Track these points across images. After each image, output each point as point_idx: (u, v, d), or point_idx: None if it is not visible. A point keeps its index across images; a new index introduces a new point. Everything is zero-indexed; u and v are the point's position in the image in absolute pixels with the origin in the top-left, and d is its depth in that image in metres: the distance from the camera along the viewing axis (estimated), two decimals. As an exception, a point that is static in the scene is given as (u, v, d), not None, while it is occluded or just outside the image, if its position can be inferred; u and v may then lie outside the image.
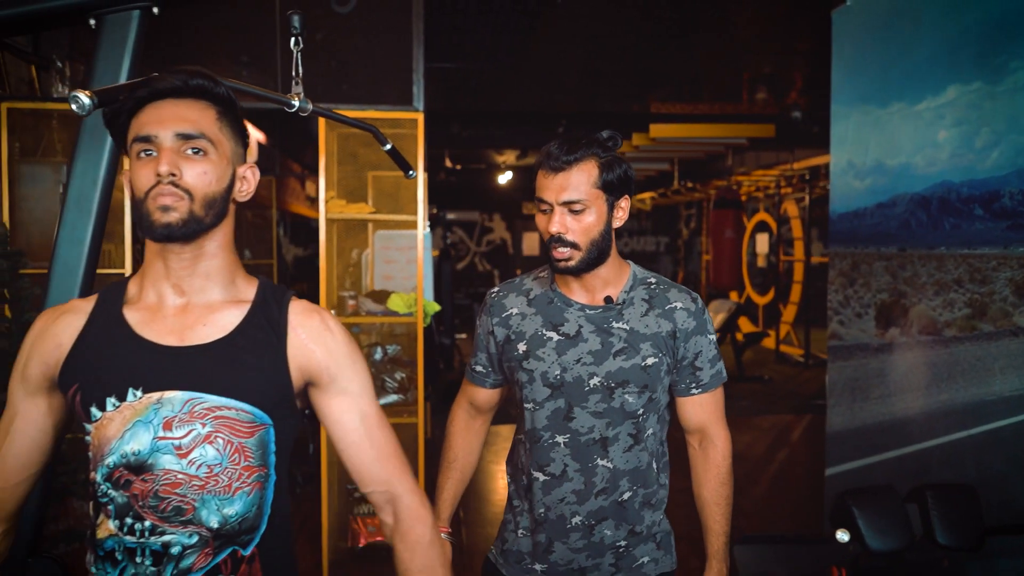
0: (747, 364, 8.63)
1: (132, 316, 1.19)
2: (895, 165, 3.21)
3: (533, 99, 6.49)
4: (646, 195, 12.21)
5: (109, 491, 1.13)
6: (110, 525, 1.13)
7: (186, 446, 1.12)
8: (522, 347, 1.65)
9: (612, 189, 1.59)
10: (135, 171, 1.14)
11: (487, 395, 1.80)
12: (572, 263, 1.58)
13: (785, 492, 4.79)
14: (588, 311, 1.64)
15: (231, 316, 1.19)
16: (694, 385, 1.68)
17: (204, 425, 1.13)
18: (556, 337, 1.63)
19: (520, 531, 1.70)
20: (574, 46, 4.94)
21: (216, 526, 1.14)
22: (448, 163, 10.38)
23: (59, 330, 1.20)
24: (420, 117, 3.21)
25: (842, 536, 2.26)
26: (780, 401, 7.28)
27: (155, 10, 1.63)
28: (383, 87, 3.37)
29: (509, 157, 10.65)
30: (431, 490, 1.83)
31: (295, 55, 1.68)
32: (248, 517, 1.16)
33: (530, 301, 1.70)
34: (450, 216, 14.94)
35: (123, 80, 1.62)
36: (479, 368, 1.77)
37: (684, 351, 1.65)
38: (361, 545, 3.54)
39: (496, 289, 1.78)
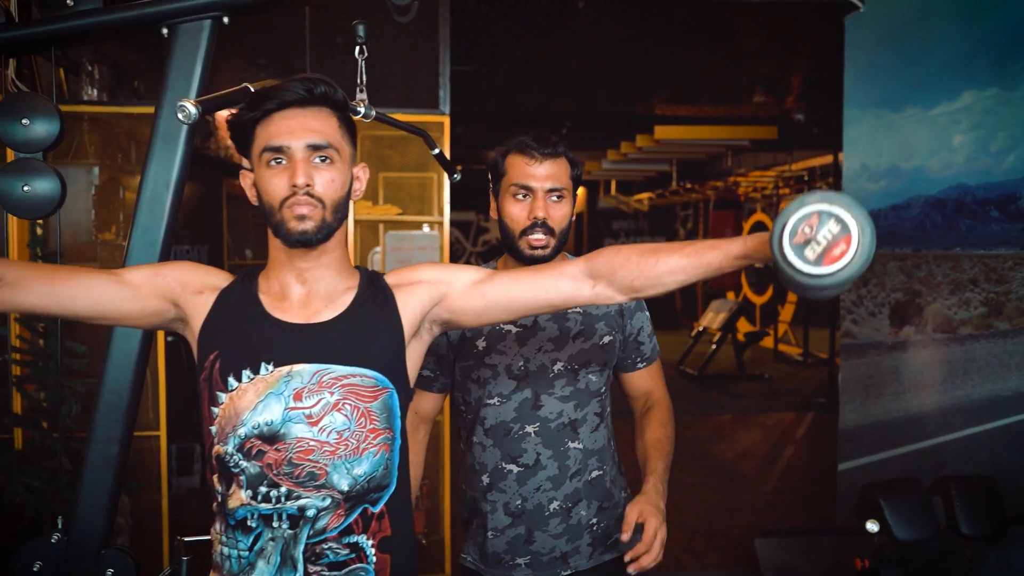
0: (747, 363, 8.73)
1: (264, 299, 1.27)
2: (909, 168, 3.30)
3: (539, 101, 6.55)
4: (644, 196, 12.30)
5: (241, 462, 1.19)
6: (242, 495, 1.20)
7: (316, 414, 1.19)
8: (481, 343, 1.69)
9: (576, 184, 1.69)
10: (266, 179, 1.20)
11: (432, 401, 1.79)
12: (547, 251, 1.62)
13: (795, 488, 4.87)
14: None
15: (346, 297, 1.28)
16: (639, 359, 1.77)
17: (332, 394, 1.20)
18: (515, 329, 1.68)
19: (490, 532, 1.70)
20: (584, 49, 5.01)
21: (347, 488, 1.20)
22: (386, 161, 10.40)
23: (204, 276, 1.28)
24: (446, 120, 3.28)
25: (872, 527, 2.33)
26: (781, 399, 7.37)
27: (225, 20, 1.69)
28: (410, 91, 3.44)
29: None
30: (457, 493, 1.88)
31: (360, 63, 1.74)
32: (375, 476, 1.22)
33: None
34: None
35: (195, 86, 1.67)
36: (426, 372, 1.75)
37: (630, 327, 1.74)
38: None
39: None
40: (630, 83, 6.12)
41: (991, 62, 2.84)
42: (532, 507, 1.67)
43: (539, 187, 1.61)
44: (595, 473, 1.71)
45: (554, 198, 1.62)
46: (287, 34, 4.09)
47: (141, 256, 1.67)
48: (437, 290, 1.30)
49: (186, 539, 1.77)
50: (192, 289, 1.27)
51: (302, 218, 1.18)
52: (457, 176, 2.14)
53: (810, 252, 0.96)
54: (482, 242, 16.93)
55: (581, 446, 1.69)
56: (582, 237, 14.53)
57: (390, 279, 1.33)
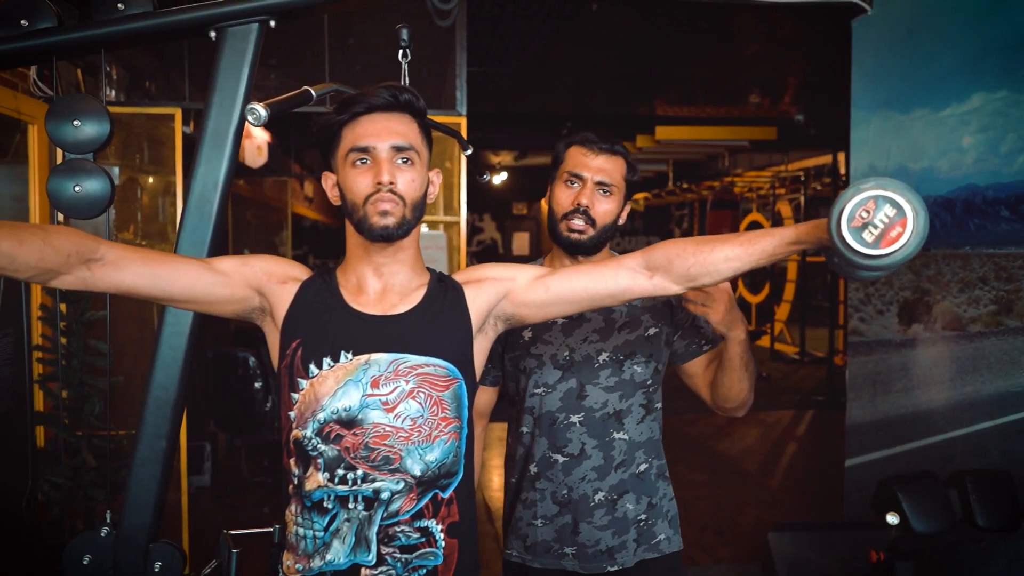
0: (745, 362, 8.79)
1: (343, 292, 1.33)
2: (918, 169, 3.36)
3: (543, 102, 6.60)
4: (640, 196, 12.38)
5: (319, 445, 1.25)
6: (319, 477, 1.25)
7: (392, 401, 1.25)
8: (527, 333, 1.74)
9: (630, 189, 1.74)
10: (352, 177, 1.26)
11: (486, 395, 1.83)
12: (585, 237, 1.67)
13: (799, 484, 4.94)
14: None
15: (419, 292, 1.34)
16: (704, 342, 1.77)
17: (407, 382, 1.26)
18: (560, 320, 1.72)
19: (539, 520, 1.74)
20: (590, 51, 5.06)
21: (419, 473, 1.26)
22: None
23: (288, 269, 1.35)
24: (463, 121, 3.32)
25: (892, 519, 2.39)
26: (780, 397, 7.44)
27: (272, 23, 1.72)
28: (427, 92, 3.47)
29: (506, 158, 10.76)
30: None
31: (403, 66, 1.78)
32: (446, 463, 1.28)
33: None
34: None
35: (243, 88, 1.70)
36: None
37: (683, 315, 1.75)
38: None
39: None
40: (633, 84, 6.17)
41: (1000, 65, 2.90)
42: (577, 497, 1.71)
43: (589, 177, 1.66)
44: (642, 467, 1.74)
45: (601, 191, 1.67)
46: (299, 34, 4.12)
47: (190, 254, 1.70)
48: (503, 286, 1.35)
49: (232, 532, 1.81)
50: (276, 279, 1.32)
51: (385, 214, 1.24)
52: (487, 176, 2.19)
53: (868, 235, 1.03)
54: (476, 242, 16.98)
55: (627, 437, 1.72)
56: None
57: (458, 277, 1.39)
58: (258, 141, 6.77)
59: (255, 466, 4.84)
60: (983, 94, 2.98)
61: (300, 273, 1.36)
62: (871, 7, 3.58)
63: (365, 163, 1.27)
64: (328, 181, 1.35)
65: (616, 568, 1.73)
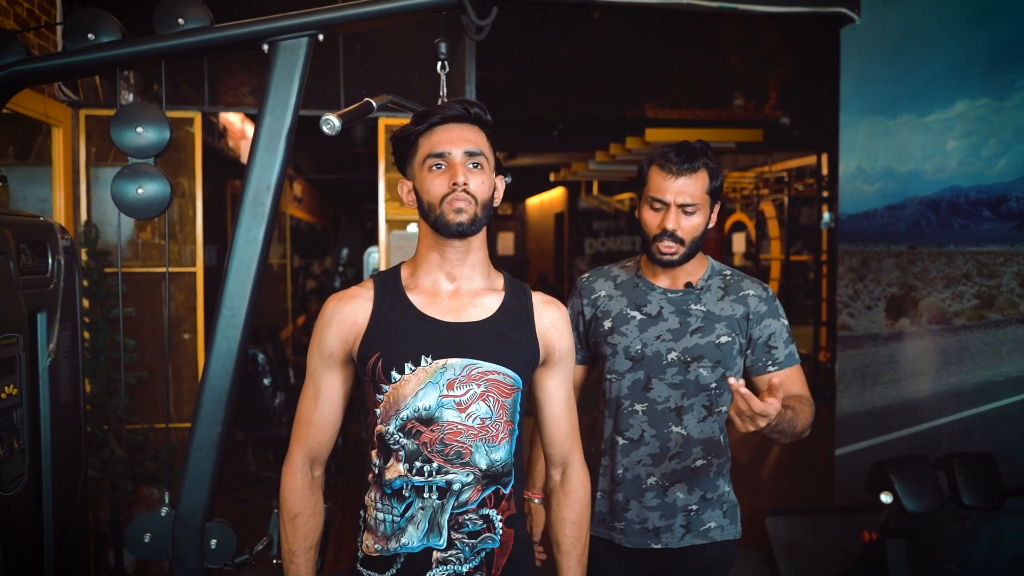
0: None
1: (415, 299, 1.44)
2: (904, 171, 3.54)
3: (536, 105, 6.74)
4: (624, 196, 12.55)
5: (401, 439, 1.38)
6: (400, 468, 1.38)
7: (464, 402, 1.38)
8: (607, 324, 1.88)
9: (715, 196, 1.84)
10: (429, 181, 1.40)
11: (578, 372, 1.98)
12: (676, 257, 1.80)
13: (789, 473, 5.12)
14: (670, 294, 1.87)
15: (492, 300, 1.46)
16: (771, 363, 1.87)
17: (479, 386, 1.39)
18: (639, 316, 1.86)
19: (598, 493, 1.89)
20: (586, 56, 5.21)
21: (485, 467, 1.40)
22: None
23: (353, 311, 1.44)
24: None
25: (886, 498, 2.55)
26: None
27: (320, 37, 1.85)
28: (435, 95, 3.59)
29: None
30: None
31: (442, 77, 1.91)
32: (508, 462, 1.43)
33: (616, 285, 1.93)
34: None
35: (294, 98, 1.83)
36: None
37: (759, 332, 1.86)
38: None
39: (587, 275, 2.00)
40: (624, 88, 6.33)
41: (983, 74, 3.09)
42: (631, 477, 1.85)
43: (671, 201, 1.77)
44: (699, 462, 1.85)
45: (685, 212, 1.78)
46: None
47: (244, 252, 1.83)
48: (551, 354, 1.51)
49: (283, 511, 1.94)
50: (349, 333, 1.45)
51: (459, 211, 1.37)
52: (509, 178, 2.33)
53: None
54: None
55: (684, 432, 1.84)
56: (563, 236, 14.76)
57: (538, 302, 1.52)
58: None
59: (261, 460, 4.94)
60: (966, 101, 3.17)
61: (364, 302, 1.45)
62: (859, 17, 3.77)
63: (441, 168, 1.40)
64: (404, 187, 1.48)
65: (660, 547, 1.87)
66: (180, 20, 1.80)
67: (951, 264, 3.27)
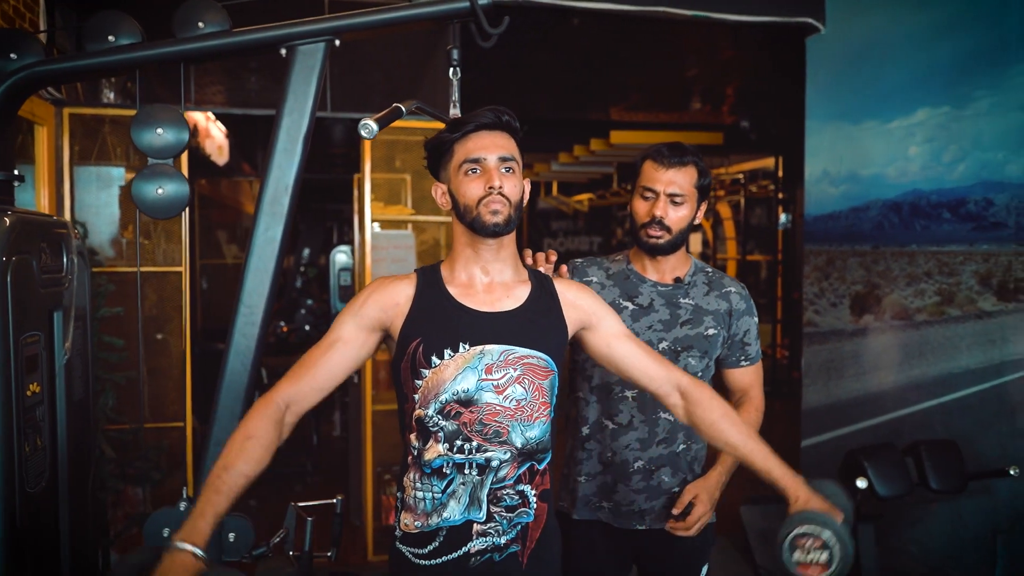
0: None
1: (453, 291, 1.53)
2: (868, 175, 3.73)
3: (505, 106, 6.80)
4: (583, 196, 12.71)
5: (440, 422, 1.46)
6: (439, 448, 1.46)
7: (502, 385, 1.47)
8: None
9: (702, 193, 1.96)
10: (465, 185, 1.48)
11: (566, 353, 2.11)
12: (662, 242, 1.90)
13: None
14: (660, 288, 1.97)
15: (522, 291, 1.56)
16: (743, 358, 2.03)
17: (515, 370, 1.48)
18: (631, 306, 1.96)
19: (583, 478, 1.97)
20: (557, 59, 5.32)
21: (520, 445, 1.48)
22: (397, 163, 10.55)
23: (396, 292, 1.53)
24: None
25: (861, 483, 2.70)
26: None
27: (336, 43, 1.91)
28: (422, 99, 3.65)
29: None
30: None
31: (454, 83, 1.99)
32: (542, 441, 1.51)
33: (608, 276, 2.02)
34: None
35: (311, 101, 1.89)
36: None
37: (736, 328, 2.00)
38: (393, 522, 3.81)
39: (579, 260, 2.08)
40: (589, 90, 6.46)
41: (943, 84, 3.27)
42: (619, 461, 1.94)
43: (661, 190, 1.89)
44: (682, 447, 1.97)
45: (673, 202, 1.89)
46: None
47: (263, 251, 1.88)
48: (588, 319, 1.60)
49: (301, 504, 1.99)
50: (389, 307, 1.52)
51: (495, 212, 1.46)
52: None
53: (799, 554, 1.41)
54: (419, 241, 17.13)
55: (671, 418, 1.94)
56: (521, 236, 14.86)
57: (558, 285, 1.61)
58: (219, 141, 6.81)
59: (236, 460, 4.91)
60: (928, 109, 3.35)
61: (407, 287, 1.54)
62: (824, 27, 3.94)
63: (476, 172, 1.48)
64: (438, 190, 1.56)
65: (644, 527, 1.97)
66: (200, 24, 1.84)
67: (913, 263, 3.46)
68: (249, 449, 1.39)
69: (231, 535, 1.91)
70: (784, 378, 8.07)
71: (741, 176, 9.71)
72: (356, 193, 6.43)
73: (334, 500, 2.02)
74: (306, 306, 7.36)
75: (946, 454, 2.80)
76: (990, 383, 3.06)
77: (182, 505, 1.90)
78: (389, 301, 1.52)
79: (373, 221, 3.53)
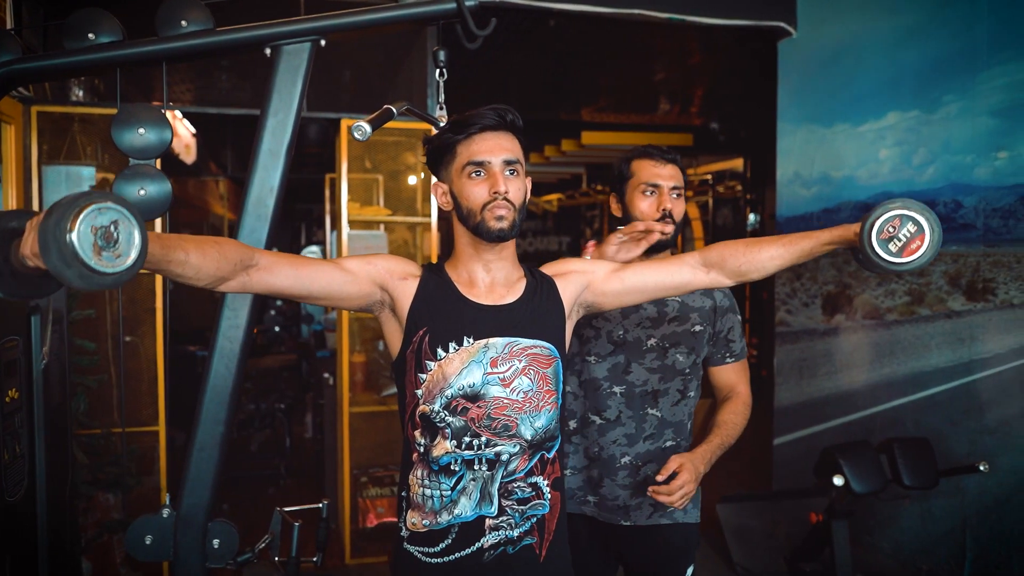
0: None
1: (457, 286, 1.52)
2: (839, 177, 3.79)
3: (477, 106, 6.79)
4: (553, 196, 12.74)
5: (447, 417, 1.44)
6: (447, 444, 1.44)
7: (508, 378, 1.46)
8: None
9: (686, 190, 2.02)
10: (469, 188, 1.46)
11: None
12: (668, 236, 1.93)
13: (726, 463, 5.32)
14: None
15: (520, 284, 1.56)
16: (728, 355, 2.06)
17: (520, 361, 1.47)
18: None
19: (569, 470, 1.99)
20: (528, 60, 5.32)
21: (530, 437, 1.47)
22: (369, 164, 10.48)
23: (407, 267, 1.52)
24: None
25: (838, 481, 2.75)
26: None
27: (322, 43, 1.89)
28: (396, 99, 3.63)
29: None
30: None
31: (439, 84, 1.98)
32: (550, 428, 1.51)
33: None
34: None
35: (296, 101, 1.87)
36: None
37: (721, 325, 2.04)
38: (372, 525, 3.79)
39: (565, 259, 2.12)
40: (561, 91, 6.48)
41: (913, 88, 3.34)
42: (606, 456, 1.95)
43: (665, 185, 1.93)
44: (669, 443, 1.99)
45: (675, 195, 1.94)
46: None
47: (247, 254, 1.85)
48: (585, 278, 1.59)
49: (286, 509, 1.97)
50: (398, 276, 1.50)
51: (500, 218, 1.45)
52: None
53: (893, 246, 1.30)
54: (389, 240, 17.00)
55: (659, 415, 1.96)
56: (490, 237, 14.81)
57: (547, 270, 1.62)
58: (186, 140, 6.71)
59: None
60: (898, 113, 3.42)
61: (416, 270, 1.53)
62: (796, 31, 4.00)
63: (480, 175, 1.46)
64: (439, 190, 1.54)
65: (629, 524, 1.98)
66: (183, 22, 1.81)
67: (884, 264, 3.52)
68: (209, 250, 1.23)
69: (215, 541, 1.88)
70: (753, 376, 8.16)
71: (709, 177, 9.81)
72: (328, 193, 6.40)
73: (319, 505, 2.00)
74: (275, 307, 7.28)
75: (919, 451, 2.86)
76: (959, 381, 3.13)
77: (164, 512, 1.87)
78: (399, 270, 1.50)
79: (350, 221, 3.50)
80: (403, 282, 1.50)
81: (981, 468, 2.75)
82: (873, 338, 3.59)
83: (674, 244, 1.99)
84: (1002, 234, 2.95)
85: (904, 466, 2.82)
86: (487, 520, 1.46)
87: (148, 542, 1.86)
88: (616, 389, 1.97)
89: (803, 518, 3.27)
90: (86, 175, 3.34)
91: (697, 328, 1.99)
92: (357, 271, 1.47)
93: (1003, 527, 2.96)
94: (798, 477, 3.84)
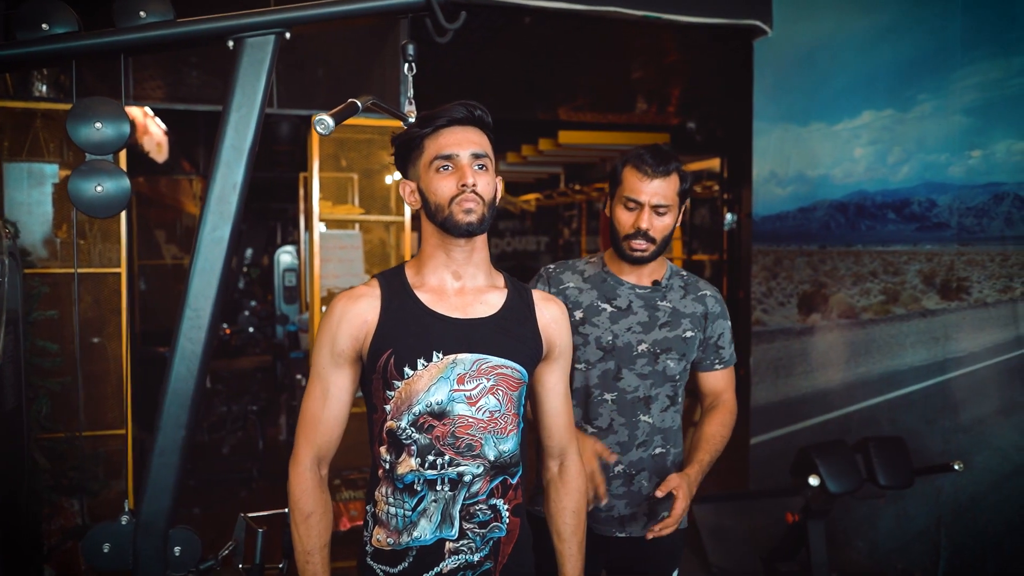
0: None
1: (422, 296, 1.46)
2: (815, 176, 3.78)
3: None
4: (531, 196, 12.72)
5: (413, 434, 1.40)
6: (412, 462, 1.40)
7: (475, 396, 1.41)
8: (579, 314, 1.94)
9: (683, 197, 1.94)
10: (437, 182, 1.41)
11: None
12: (647, 255, 1.89)
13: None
14: (638, 290, 1.96)
15: (496, 297, 1.50)
16: (717, 361, 2.02)
17: (488, 380, 1.42)
18: (610, 309, 1.93)
19: None
20: (504, 58, 5.29)
21: (493, 458, 1.43)
22: (344, 162, 10.40)
23: (362, 309, 1.44)
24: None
25: (814, 481, 2.73)
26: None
27: (287, 35, 1.83)
28: (367, 94, 3.58)
29: (403, 158, 10.76)
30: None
31: (408, 79, 1.93)
32: (515, 454, 1.47)
33: (584, 279, 1.99)
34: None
35: (260, 96, 1.81)
36: None
37: (711, 331, 2.00)
38: (345, 529, 3.73)
39: (552, 266, 2.04)
40: (538, 90, 6.45)
41: (887, 87, 3.34)
42: (600, 465, 1.89)
43: (646, 201, 1.84)
44: (659, 450, 1.95)
45: (658, 213, 1.85)
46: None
47: (210, 251, 1.79)
48: (551, 350, 1.56)
49: (250, 515, 1.91)
50: (360, 331, 1.45)
51: (469, 211, 1.40)
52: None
53: None
54: (365, 240, 16.92)
55: (651, 421, 1.92)
56: (469, 236, 14.76)
57: (537, 299, 1.56)
58: (157, 138, 6.60)
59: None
60: (872, 112, 3.42)
61: (372, 300, 1.46)
62: (772, 30, 3.99)
63: (448, 169, 1.42)
64: (406, 188, 1.49)
65: (624, 535, 1.95)
66: (142, 13, 1.75)
67: (859, 263, 3.52)
68: (314, 525, 1.48)
69: (176, 548, 1.82)
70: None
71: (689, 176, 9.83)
72: (303, 192, 6.33)
73: (285, 510, 1.94)
74: (249, 307, 7.19)
75: (894, 450, 2.85)
76: (934, 380, 3.14)
77: (123, 519, 1.80)
78: (358, 323, 1.45)
79: (321, 220, 3.44)
80: (364, 327, 1.45)
81: (956, 467, 2.74)
82: (849, 337, 3.59)
83: (660, 255, 1.93)
84: (976, 233, 2.96)
85: (879, 465, 2.81)
86: (447, 543, 1.43)
87: (106, 550, 1.79)
88: (607, 396, 1.92)
89: (780, 518, 3.25)
90: (49, 172, 3.26)
91: (688, 334, 1.95)
92: (341, 377, 1.47)
93: (978, 525, 2.96)
94: (775, 476, 3.84)
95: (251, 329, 6.84)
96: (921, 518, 3.18)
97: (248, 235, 9.37)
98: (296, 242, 9.70)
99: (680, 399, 2.00)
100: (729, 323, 2.04)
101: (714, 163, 8.99)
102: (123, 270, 3.24)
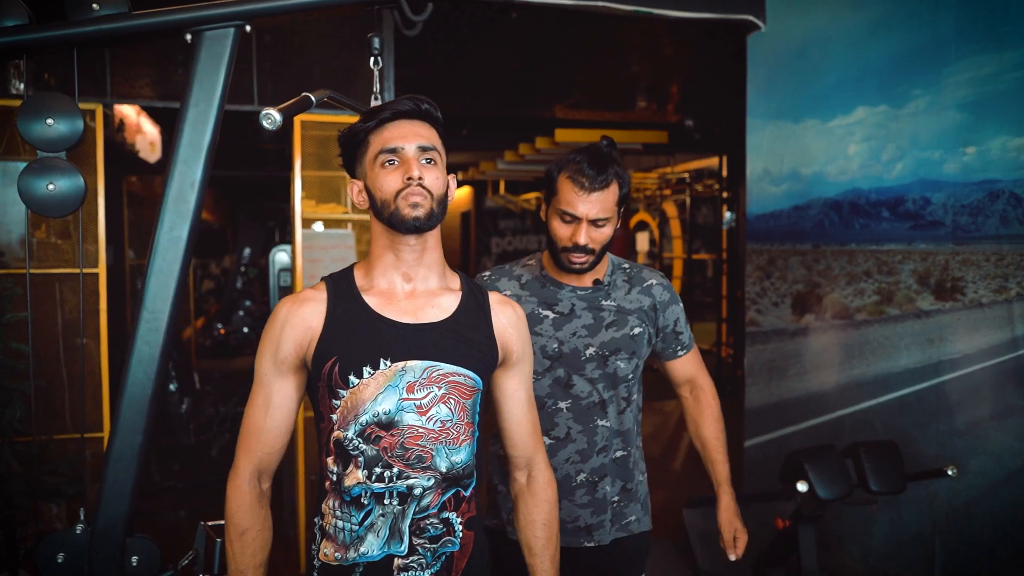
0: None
1: (370, 300, 1.39)
2: (809, 173, 3.71)
3: (444, 103, 6.68)
4: (531, 195, 12.64)
5: (360, 445, 1.33)
6: (359, 474, 1.33)
7: (425, 405, 1.35)
8: None
9: (622, 203, 1.85)
10: (382, 177, 1.35)
11: None
12: (586, 266, 1.81)
13: (699, 465, 5.27)
14: (579, 292, 1.88)
15: (449, 300, 1.43)
16: (680, 348, 1.98)
17: (440, 388, 1.36)
18: (551, 315, 1.86)
19: None
20: (498, 56, 5.23)
21: (445, 470, 1.36)
22: (337, 162, 10.36)
23: (306, 314, 1.38)
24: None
25: (802, 487, 2.66)
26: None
27: (247, 28, 1.78)
28: (355, 93, 3.52)
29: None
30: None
31: (375, 73, 1.87)
32: (468, 464, 1.40)
33: (522, 285, 1.91)
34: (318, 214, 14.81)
35: (219, 91, 1.75)
36: None
37: (664, 320, 1.94)
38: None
39: (487, 273, 1.96)
40: (534, 88, 6.38)
41: (881, 83, 3.26)
42: (561, 477, 1.84)
43: (583, 216, 1.75)
44: (619, 452, 1.90)
45: (596, 225, 1.77)
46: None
47: (167, 252, 1.74)
48: (508, 357, 1.49)
49: (210, 524, 1.85)
50: (304, 337, 1.38)
51: (416, 206, 1.34)
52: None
53: None
54: (363, 240, 16.85)
55: (608, 425, 1.87)
56: (469, 236, 14.74)
57: (494, 301, 1.49)
58: (150, 137, 6.56)
59: (166, 470, 4.71)
60: (866, 108, 3.35)
61: (318, 304, 1.40)
62: (764, 25, 3.92)
63: (394, 164, 1.36)
64: (354, 187, 1.43)
65: (593, 544, 1.89)
66: (95, 6, 1.70)
67: (853, 262, 3.45)
68: (249, 543, 1.40)
69: (134, 558, 1.77)
70: (729, 376, 8.12)
71: (687, 175, 9.76)
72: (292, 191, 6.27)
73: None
74: (244, 308, 7.14)
75: (885, 455, 2.78)
76: (928, 382, 3.06)
77: (79, 528, 1.75)
78: (301, 328, 1.39)
79: (304, 219, 3.38)
80: (308, 332, 1.39)
81: (949, 472, 2.67)
82: (842, 338, 3.52)
83: (595, 266, 1.85)
84: (971, 231, 2.88)
85: (870, 471, 2.74)
86: (396, 560, 1.36)
87: (60, 560, 1.74)
88: (562, 405, 1.86)
89: (771, 522, 3.18)
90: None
91: (636, 331, 1.89)
92: (284, 385, 1.41)
93: (973, 531, 2.89)
94: (769, 480, 3.76)
95: (245, 329, 6.80)
96: (915, 523, 3.10)
97: (246, 235, 9.32)
98: (292, 241, 9.66)
99: (635, 397, 1.95)
100: (681, 306, 1.99)
101: (713, 161, 8.92)
102: (101, 270, 3.18)
